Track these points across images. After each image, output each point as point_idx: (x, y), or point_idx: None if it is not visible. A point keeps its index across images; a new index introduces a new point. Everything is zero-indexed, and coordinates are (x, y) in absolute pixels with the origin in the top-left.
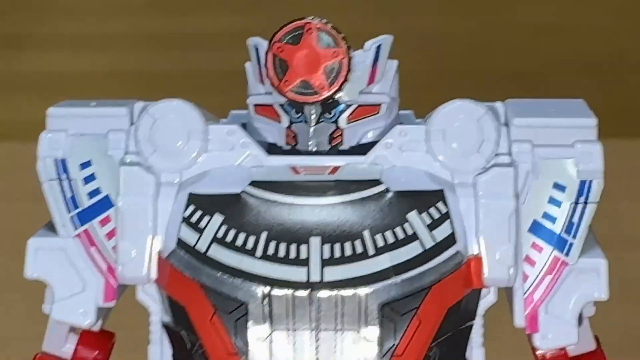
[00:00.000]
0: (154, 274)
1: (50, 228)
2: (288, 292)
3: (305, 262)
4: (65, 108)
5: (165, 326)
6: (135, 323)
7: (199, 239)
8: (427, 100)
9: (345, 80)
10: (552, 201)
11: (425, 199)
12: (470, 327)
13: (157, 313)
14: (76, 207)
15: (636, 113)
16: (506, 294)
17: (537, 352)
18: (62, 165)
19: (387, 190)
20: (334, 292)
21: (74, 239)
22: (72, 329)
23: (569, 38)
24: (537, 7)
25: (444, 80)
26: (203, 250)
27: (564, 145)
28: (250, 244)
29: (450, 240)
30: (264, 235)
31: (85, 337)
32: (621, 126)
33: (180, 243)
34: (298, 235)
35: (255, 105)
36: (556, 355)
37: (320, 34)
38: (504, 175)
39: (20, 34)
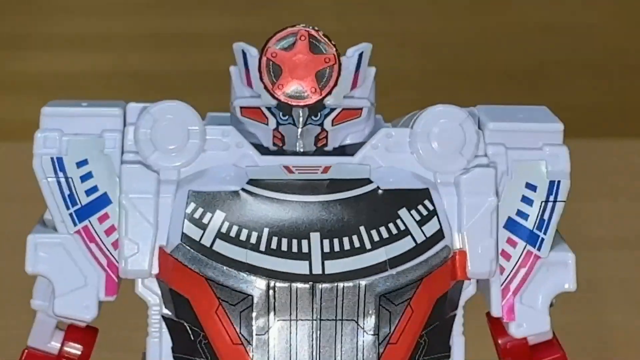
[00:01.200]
0: (155, 269)
1: (44, 225)
2: (291, 284)
3: (307, 256)
4: (59, 108)
5: (166, 319)
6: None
7: (203, 234)
8: (427, 100)
9: (335, 84)
10: (525, 200)
11: (413, 197)
12: (454, 316)
13: (156, 306)
14: (75, 204)
15: (634, 113)
16: (480, 287)
17: (500, 341)
18: (59, 163)
19: (377, 189)
20: (334, 284)
21: (73, 235)
22: (57, 326)
23: (567, 38)
24: (536, 7)
25: (442, 80)
26: (208, 244)
27: (534, 148)
28: (253, 239)
29: (438, 235)
30: (266, 231)
31: (72, 333)
32: (619, 126)
33: (185, 238)
34: (298, 231)
35: (242, 108)
36: (517, 344)
37: (312, 41)
38: (485, 175)
39: (20, 34)
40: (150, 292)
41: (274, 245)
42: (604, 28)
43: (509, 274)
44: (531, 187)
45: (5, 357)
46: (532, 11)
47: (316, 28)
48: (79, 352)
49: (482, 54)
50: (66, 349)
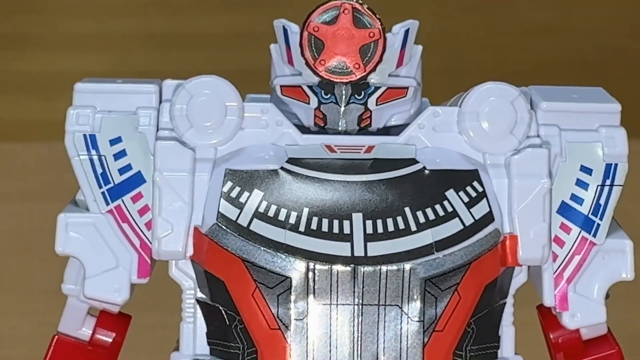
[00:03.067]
0: (190, 250)
1: (75, 204)
2: (332, 266)
3: (348, 238)
4: (92, 84)
5: (201, 302)
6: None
7: (240, 213)
8: (427, 100)
9: (380, 60)
10: (580, 183)
11: (462, 178)
12: (504, 305)
13: (191, 290)
14: (107, 183)
15: (634, 113)
16: (531, 275)
17: (551, 336)
18: (92, 141)
19: (424, 169)
20: (377, 267)
21: (105, 215)
22: (89, 312)
23: (567, 38)
24: (536, 8)
25: (442, 80)
26: (245, 224)
27: (589, 129)
28: (292, 219)
29: (488, 218)
30: (305, 211)
31: (104, 319)
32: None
33: (221, 218)
34: (340, 212)
35: (282, 87)
36: (569, 339)
37: (356, 14)
38: (538, 156)
39: (20, 34)
40: (184, 275)
41: (314, 226)
42: (605, 28)
43: (563, 261)
44: (586, 170)
45: (6, 355)
46: (533, 11)
47: (360, 1)
48: (111, 340)
49: (482, 54)
50: (98, 335)
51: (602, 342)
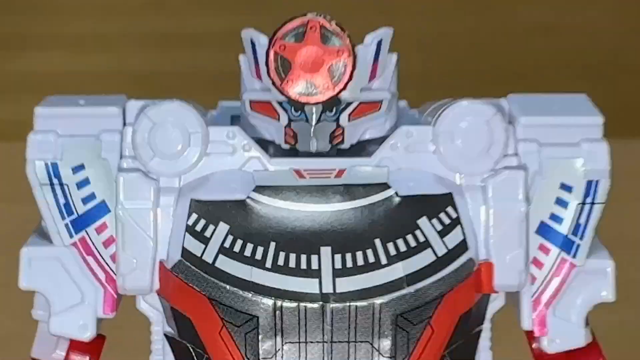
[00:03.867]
0: (156, 285)
1: (41, 234)
2: (300, 304)
3: (316, 274)
4: (53, 108)
5: (169, 337)
6: (137, 328)
7: (205, 249)
8: (426, 100)
9: (350, 79)
10: (559, 202)
11: (435, 204)
12: (480, 331)
13: (159, 323)
14: (70, 213)
15: (634, 113)
16: (510, 297)
17: (534, 346)
18: (54, 169)
19: (395, 195)
20: (347, 304)
21: (69, 247)
22: None
23: (567, 38)
24: (536, 8)
25: (441, 81)
26: (210, 261)
27: (570, 144)
28: (259, 255)
29: (462, 247)
30: (272, 246)
31: (77, 342)
32: (619, 127)
33: (186, 253)
34: (308, 245)
35: (251, 102)
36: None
37: (324, 32)
38: (514, 179)
39: (20, 34)
40: (152, 309)
41: (281, 262)
42: (606, 29)
43: (541, 284)
44: (566, 187)
45: (5, 356)
46: (533, 12)
47: (328, 17)
48: None
49: (482, 54)
50: (72, 357)
51: (588, 352)
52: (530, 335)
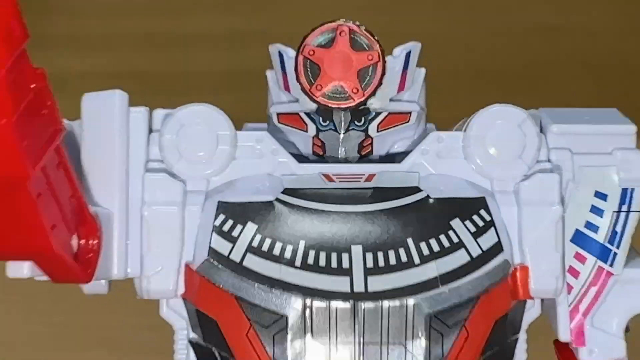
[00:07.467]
0: (181, 288)
1: None
2: (330, 303)
3: (347, 272)
4: None
5: (193, 343)
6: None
7: (232, 248)
8: (427, 101)
9: (380, 84)
10: (594, 210)
11: (468, 207)
12: (516, 340)
13: (183, 330)
14: None
15: (634, 114)
16: (546, 307)
17: None
18: None
19: (427, 197)
20: (379, 303)
21: None
22: None
23: (567, 39)
24: (536, 8)
25: (442, 82)
26: (238, 260)
27: (603, 152)
28: (288, 253)
29: (496, 248)
30: (302, 244)
31: None
32: None
33: (213, 253)
34: (338, 244)
35: (279, 114)
36: None
37: (354, 37)
38: (549, 181)
39: None
40: (176, 315)
41: (311, 260)
42: (606, 30)
43: (578, 293)
44: (601, 195)
45: (6, 356)
46: (533, 12)
47: (357, 23)
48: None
49: (482, 55)
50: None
51: None
52: (560, 348)
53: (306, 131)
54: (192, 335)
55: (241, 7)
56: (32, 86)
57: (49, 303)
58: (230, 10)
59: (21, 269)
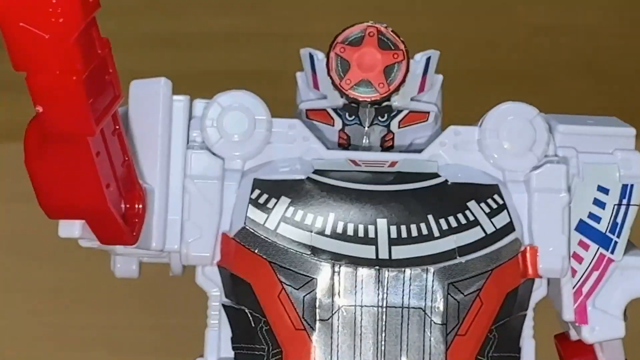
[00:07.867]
0: (217, 256)
1: None
2: (357, 268)
3: (373, 241)
4: None
5: (227, 307)
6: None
7: (267, 218)
8: None
9: (403, 81)
10: (597, 202)
11: (483, 191)
12: (524, 317)
13: (216, 297)
14: None
15: (634, 114)
16: (551, 292)
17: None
18: None
19: (446, 182)
20: (401, 270)
21: None
22: None
23: (567, 39)
24: (536, 8)
25: (442, 82)
26: (272, 227)
27: (605, 152)
28: (318, 223)
29: (509, 227)
30: (331, 216)
31: None
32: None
33: (249, 221)
34: (365, 217)
35: (307, 110)
36: None
37: (381, 37)
38: (557, 171)
39: None
40: (210, 282)
41: (339, 230)
42: (606, 30)
43: (581, 277)
44: (603, 189)
45: (6, 356)
46: (533, 12)
47: (385, 25)
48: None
49: (482, 55)
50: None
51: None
52: (564, 353)
53: (333, 125)
54: (225, 300)
55: (241, 7)
56: (99, 52)
57: (49, 303)
58: (230, 11)
59: (72, 229)
